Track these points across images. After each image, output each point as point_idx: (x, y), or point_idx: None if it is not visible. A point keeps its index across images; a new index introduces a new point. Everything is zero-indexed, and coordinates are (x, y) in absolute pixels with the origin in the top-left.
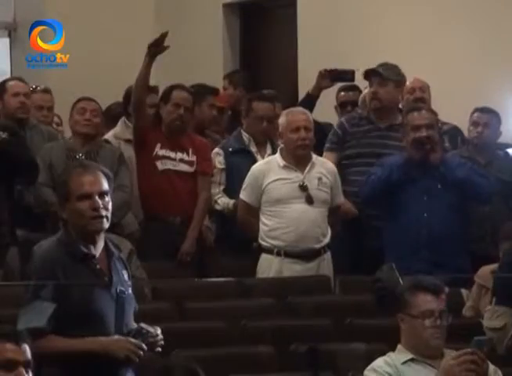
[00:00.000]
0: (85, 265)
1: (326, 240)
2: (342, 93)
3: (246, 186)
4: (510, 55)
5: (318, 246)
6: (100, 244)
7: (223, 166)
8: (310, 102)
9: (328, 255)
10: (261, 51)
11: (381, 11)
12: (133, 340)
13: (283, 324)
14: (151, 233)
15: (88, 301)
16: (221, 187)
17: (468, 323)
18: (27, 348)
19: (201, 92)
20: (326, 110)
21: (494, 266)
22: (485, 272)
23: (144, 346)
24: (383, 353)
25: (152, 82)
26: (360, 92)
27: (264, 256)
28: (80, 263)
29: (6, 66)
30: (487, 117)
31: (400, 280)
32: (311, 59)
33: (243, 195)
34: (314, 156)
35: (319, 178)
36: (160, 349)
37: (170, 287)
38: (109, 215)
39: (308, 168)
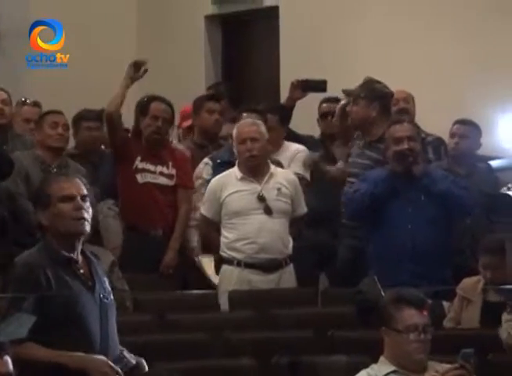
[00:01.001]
0: (68, 270)
1: (288, 250)
2: (324, 105)
3: (206, 201)
4: (494, 67)
5: (279, 257)
6: (79, 251)
7: (209, 177)
8: (286, 113)
9: (290, 267)
10: (243, 62)
11: (364, 23)
12: (112, 364)
13: (264, 336)
14: (133, 246)
15: (73, 304)
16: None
17: (450, 334)
18: (8, 360)
19: (197, 103)
20: (308, 123)
21: (477, 278)
22: (467, 285)
23: (121, 373)
24: (364, 365)
25: (134, 95)
26: None
27: (224, 267)
28: (63, 268)
29: None
30: (465, 128)
31: (382, 292)
32: (293, 71)
33: (203, 209)
34: (272, 167)
35: (279, 189)
36: None
37: (152, 299)
38: (90, 219)
39: (265, 179)
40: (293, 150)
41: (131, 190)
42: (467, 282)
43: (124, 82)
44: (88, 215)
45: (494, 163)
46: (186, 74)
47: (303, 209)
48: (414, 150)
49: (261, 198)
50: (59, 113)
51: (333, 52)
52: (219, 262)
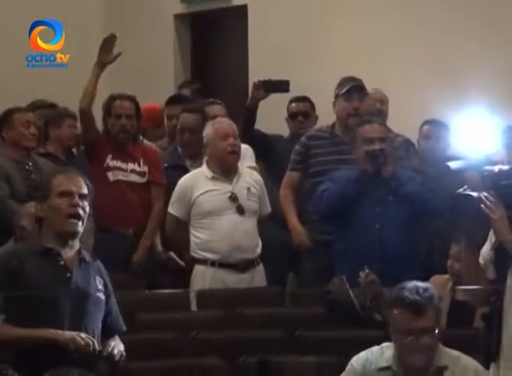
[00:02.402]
0: (48, 260)
1: (258, 250)
2: (293, 104)
3: (175, 201)
4: (460, 68)
5: (251, 256)
6: (74, 248)
7: None
8: (250, 115)
9: (261, 267)
10: (212, 61)
11: (334, 22)
12: (84, 335)
13: (233, 336)
14: (103, 245)
15: (42, 287)
16: None
17: None
18: None
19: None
20: (276, 122)
21: (446, 277)
22: (437, 282)
23: (95, 343)
24: (333, 366)
25: (102, 94)
26: (311, 103)
27: (197, 267)
28: (42, 258)
29: None
30: (434, 129)
31: (350, 292)
32: (262, 70)
33: (171, 209)
34: (240, 166)
35: (248, 189)
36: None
37: (120, 298)
38: (85, 219)
39: (236, 179)
40: (243, 149)
41: (102, 189)
42: (437, 279)
43: (93, 70)
44: (83, 213)
45: (453, 164)
46: (155, 73)
47: (268, 209)
48: (384, 151)
49: (233, 198)
50: (26, 110)
51: (302, 52)
52: (190, 262)
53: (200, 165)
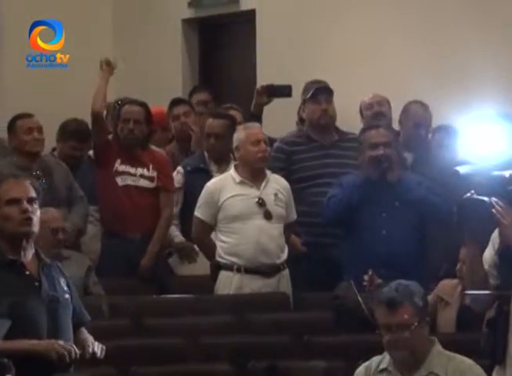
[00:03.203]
0: (14, 272)
1: (285, 255)
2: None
3: (202, 204)
4: (469, 71)
5: (278, 261)
6: (30, 252)
7: (180, 185)
8: (255, 120)
9: (286, 272)
10: (220, 67)
11: (341, 27)
12: (61, 342)
13: (241, 341)
14: (111, 250)
15: (18, 303)
16: (179, 207)
17: None
18: None
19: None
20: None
21: (455, 282)
22: (446, 287)
23: (75, 348)
24: (341, 370)
25: (110, 99)
26: None
27: (223, 273)
28: (7, 270)
29: None
30: (449, 137)
31: (358, 297)
32: (270, 75)
33: (198, 213)
34: (268, 172)
35: (275, 194)
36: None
37: (128, 303)
38: (37, 222)
39: (264, 184)
40: None
41: (111, 194)
42: (446, 284)
43: (101, 74)
44: (35, 216)
45: (462, 169)
46: (163, 77)
47: (294, 215)
48: (389, 157)
49: (261, 203)
50: (30, 115)
51: (310, 56)
52: (216, 268)
53: (225, 170)
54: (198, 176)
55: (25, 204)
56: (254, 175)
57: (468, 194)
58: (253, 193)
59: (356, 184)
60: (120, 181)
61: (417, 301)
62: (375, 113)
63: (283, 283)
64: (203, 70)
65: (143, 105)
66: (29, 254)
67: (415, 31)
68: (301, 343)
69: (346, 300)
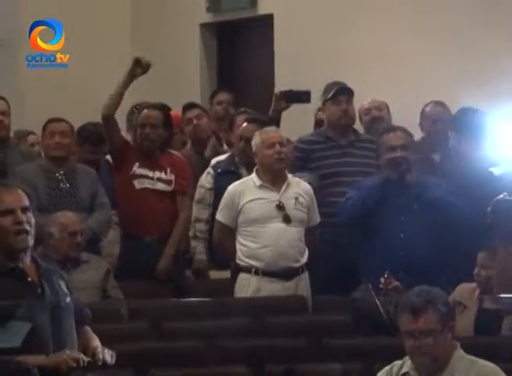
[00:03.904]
0: (16, 280)
1: (304, 259)
2: (320, 112)
3: (223, 207)
4: (474, 73)
5: (296, 265)
6: (27, 259)
7: (210, 186)
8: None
9: (306, 275)
10: (238, 70)
11: (359, 31)
12: (68, 351)
13: (258, 344)
14: (129, 253)
15: (22, 314)
16: (210, 210)
17: None
18: None
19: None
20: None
21: (473, 285)
22: (464, 290)
23: (83, 357)
24: (359, 374)
25: (127, 103)
26: None
27: (242, 275)
28: (9, 278)
29: None
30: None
31: (376, 300)
32: (288, 79)
33: (219, 216)
34: (289, 176)
35: (296, 198)
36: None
37: (147, 307)
38: (32, 231)
39: (284, 188)
40: None
41: (128, 197)
42: (464, 288)
43: (124, 79)
44: (29, 226)
45: (496, 170)
46: (181, 81)
47: (317, 219)
48: (407, 159)
49: (280, 207)
50: (59, 120)
51: (328, 60)
52: (235, 270)
53: None
54: (228, 178)
55: (19, 215)
56: (274, 178)
57: (501, 196)
58: (273, 196)
59: (373, 186)
60: (137, 184)
61: (441, 307)
62: (373, 117)
63: (301, 286)
64: (221, 74)
65: (162, 109)
66: (27, 260)
67: (432, 34)
68: (319, 346)
69: (364, 303)
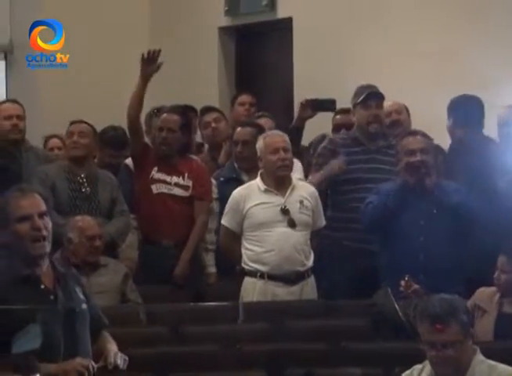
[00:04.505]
0: (30, 287)
1: (310, 263)
2: (338, 116)
3: (228, 212)
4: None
5: (302, 269)
6: (44, 264)
7: (216, 196)
8: (297, 133)
9: (312, 279)
10: (256, 74)
11: (378, 34)
12: (79, 359)
13: (277, 348)
14: (147, 257)
15: (31, 322)
16: (217, 220)
17: None
18: None
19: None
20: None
21: (493, 289)
22: (484, 294)
23: (93, 363)
24: None
25: (146, 107)
26: None
27: (247, 279)
28: (23, 285)
29: (2, 89)
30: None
31: (396, 304)
32: (307, 83)
33: (224, 221)
34: (294, 179)
35: (301, 202)
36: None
37: (165, 311)
38: (50, 236)
39: (288, 192)
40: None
41: (147, 201)
42: (483, 292)
43: (139, 81)
44: (46, 232)
45: None
46: (200, 85)
47: (322, 221)
48: (426, 163)
49: (285, 211)
50: (79, 122)
51: (347, 64)
52: (241, 274)
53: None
54: (231, 186)
55: (37, 221)
56: (278, 182)
57: None
58: (277, 200)
59: (393, 190)
60: (154, 189)
61: (462, 317)
62: (392, 121)
63: (307, 290)
64: (240, 77)
65: (181, 113)
66: (43, 266)
67: (454, 36)
68: (338, 350)
69: (383, 307)
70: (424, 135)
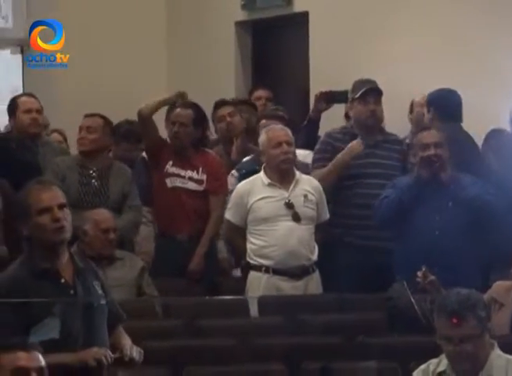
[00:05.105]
0: (49, 281)
1: (314, 257)
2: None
3: (232, 206)
4: None
5: (307, 263)
6: (64, 257)
7: (233, 188)
8: (313, 126)
9: (316, 274)
10: (273, 68)
11: (396, 28)
12: (95, 349)
13: (293, 342)
14: (162, 251)
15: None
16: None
17: None
18: (38, 355)
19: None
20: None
21: (509, 283)
22: (501, 288)
23: (110, 353)
24: (395, 372)
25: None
26: None
27: (252, 274)
28: (43, 279)
29: (19, 82)
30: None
31: (412, 298)
32: (323, 77)
33: (228, 215)
34: (297, 173)
35: (305, 196)
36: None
37: (181, 304)
38: (70, 227)
39: (292, 186)
40: (306, 155)
41: (161, 195)
42: (500, 285)
43: (162, 101)
44: (67, 222)
45: None
46: (216, 79)
47: (326, 215)
48: (441, 157)
49: (289, 205)
50: (91, 115)
51: (363, 58)
52: (246, 268)
53: None
54: None
55: (57, 212)
56: (282, 176)
57: None
58: (281, 194)
59: (408, 184)
60: (169, 183)
61: (479, 312)
62: (422, 114)
63: (312, 285)
64: (257, 71)
65: (193, 107)
66: (63, 259)
67: (473, 29)
68: (354, 344)
69: (399, 301)
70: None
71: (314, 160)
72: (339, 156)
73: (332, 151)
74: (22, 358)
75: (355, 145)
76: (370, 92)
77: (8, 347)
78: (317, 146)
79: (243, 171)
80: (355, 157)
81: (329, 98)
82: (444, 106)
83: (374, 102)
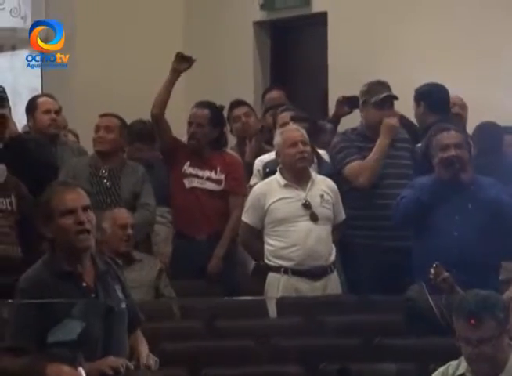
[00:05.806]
0: (71, 284)
1: (332, 257)
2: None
3: (248, 208)
4: None
5: (325, 264)
6: (87, 261)
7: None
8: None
9: (335, 275)
10: (291, 69)
11: (414, 28)
12: (113, 358)
13: (311, 343)
14: (180, 252)
15: (75, 317)
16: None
17: None
18: (82, 372)
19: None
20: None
21: None
22: None
23: (127, 362)
24: (413, 373)
25: (181, 102)
26: None
27: (271, 275)
28: (66, 282)
29: (37, 83)
30: None
31: (430, 299)
32: (342, 77)
33: (245, 217)
34: (313, 173)
35: (321, 196)
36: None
37: (199, 305)
38: (93, 229)
39: (309, 186)
40: (322, 154)
41: (180, 195)
42: None
43: (169, 77)
44: (90, 225)
45: None
46: (235, 80)
47: (342, 215)
48: (461, 158)
49: (307, 205)
50: (108, 115)
51: (382, 59)
52: (264, 270)
53: None
54: None
55: (81, 215)
56: (298, 177)
57: None
58: (298, 195)
59: (427, 184)
60: (187, 183)
61: (498, 313)
62: (454, 113)
63: (331, 285)
64: (275, 72)
65: (210, 107)
66: (86, 263)
67: (492, 30)
68: (372, 345)
69: (417, 303)
70: (458, 130)
71: (346, 156)
72: (378, 142)
73: (356, 149)
74: (66, 373)
75: (391, 122)
76: (389, 99)
77: (56, 358)
78: (340, 145)
79: (267, 169)
80: (395, 134)
81: (352, 103)
82: (433, 99)
83: (389, 108)
